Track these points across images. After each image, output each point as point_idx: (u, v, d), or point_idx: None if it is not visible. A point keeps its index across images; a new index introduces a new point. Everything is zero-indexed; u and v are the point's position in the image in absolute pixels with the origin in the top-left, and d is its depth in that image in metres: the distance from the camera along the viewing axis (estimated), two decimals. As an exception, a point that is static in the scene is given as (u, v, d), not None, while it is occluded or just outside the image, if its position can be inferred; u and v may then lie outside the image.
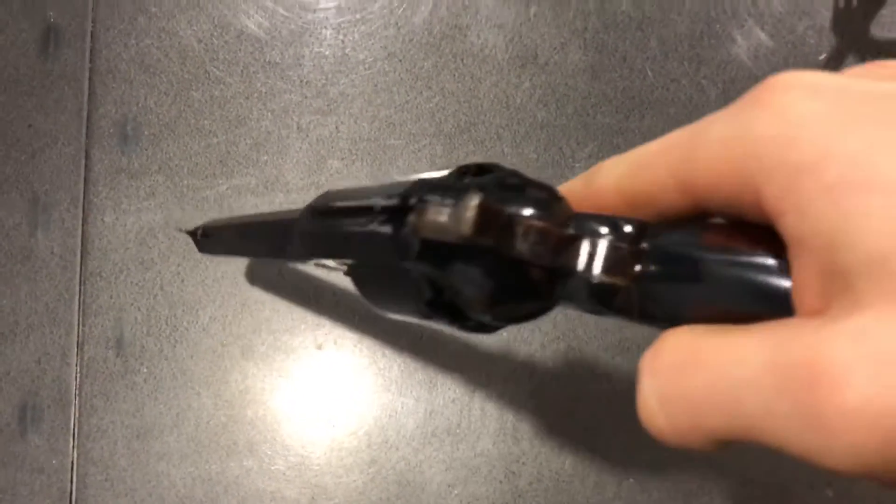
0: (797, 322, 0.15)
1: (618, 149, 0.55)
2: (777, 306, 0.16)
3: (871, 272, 0.14)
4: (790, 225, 0.15)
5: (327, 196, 0.32)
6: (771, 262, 0.16)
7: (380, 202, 0.25)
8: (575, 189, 0.22)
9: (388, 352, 0.54)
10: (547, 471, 0.52)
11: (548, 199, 0.22)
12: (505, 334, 0.54)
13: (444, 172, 0.24)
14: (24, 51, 0.60)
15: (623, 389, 0.53)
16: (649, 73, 0.57)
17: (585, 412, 0.53)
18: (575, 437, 0.52)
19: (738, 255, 0.17)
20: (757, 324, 0.16)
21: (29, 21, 0.61)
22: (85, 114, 0.60)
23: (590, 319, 0.53)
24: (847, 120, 0.15)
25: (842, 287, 0.14)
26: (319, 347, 0.55)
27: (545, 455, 0.52)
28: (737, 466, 0.51)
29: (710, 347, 0.16)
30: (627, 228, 0.20)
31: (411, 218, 0.22)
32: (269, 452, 0.54)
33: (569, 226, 0.20)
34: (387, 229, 0.24)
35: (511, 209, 0.21)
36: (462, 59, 0.58)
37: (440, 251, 0.22)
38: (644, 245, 0.19)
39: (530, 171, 0.56)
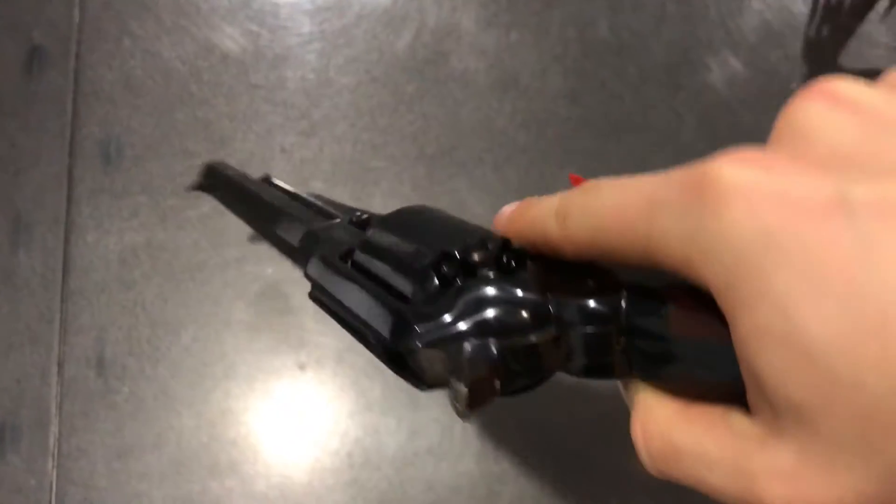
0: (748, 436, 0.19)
1: (596, 172, 0.56)
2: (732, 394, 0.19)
3: (788, 413, 0.16)
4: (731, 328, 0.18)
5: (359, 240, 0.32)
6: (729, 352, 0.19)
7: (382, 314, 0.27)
8: (549, 225, 0.24)
9: (371, 371, 0.55)
10: (528, 491, 0.52)
11: (527, 304, 0.24)
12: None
13: (432, 281, 0.26)
14: (8, 71, 0.61)
15: (606, 411, 0.53)
16: (627, 98, 0.59)
17: (568, 433, 0.53)
18: (557, 458, 0.52)
19: (703, 340, 0.20)
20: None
21: (13, 42, 0.61)
22: (68, 134, 0.60)
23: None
24: (782, 250, 0.16)
25: (768, 405, 0.17)
26: (302, 368, 0.55)
27: (527, 475, 0.52)
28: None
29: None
30: (604, 309, 0.23)
31: (410, 364, 0.25)
32: (251, 473, 0.54)
33: (551, 322, 0.23)
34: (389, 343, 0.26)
35: (498, 349, 0.23)
36: (444, 84, 0.59)
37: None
38: (623, 321, 0.22)
39: (513, 194, 0.57)
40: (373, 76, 0.59)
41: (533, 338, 0.23)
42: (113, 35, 0.62)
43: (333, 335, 0.56)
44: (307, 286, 0.56)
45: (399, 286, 0.27)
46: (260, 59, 0.60)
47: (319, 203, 0.42)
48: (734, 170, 0.17)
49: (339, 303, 0.31)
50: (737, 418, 0.19)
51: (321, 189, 0.58)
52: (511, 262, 0.25)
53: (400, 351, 0.25)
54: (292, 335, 0.56)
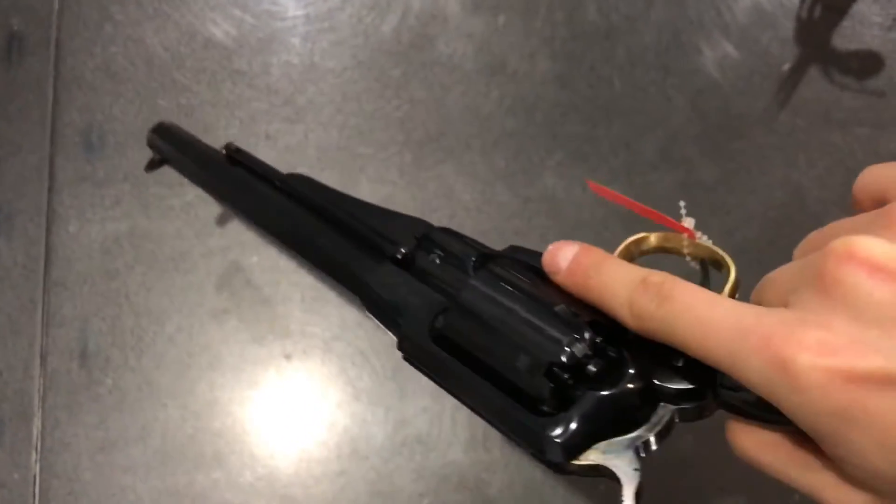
0: None
1: (586, 157, 0.56)
2: None
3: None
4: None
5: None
6: None
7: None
8: (620, 310, 0.29)
9: (358, 361, 0.54)
10: (517, 478, 0.51)
11: (637, 398, 0.30)
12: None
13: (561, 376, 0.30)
14: (-14, 58, 0.60)
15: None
16: (617, 82, 0.58)
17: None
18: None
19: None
20: None
21: (-9, 28, 0.60)
22: (49, 122, 0.59)
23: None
24: (855, 420, 0.22)
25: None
26: (288, 357, 0.54)
27: (515, 463, 0.52)
28: (709, 473, 0.51)
29: None
30: (700, 390, 0.30)
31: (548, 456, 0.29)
32: (237, 464, 0.53)
33: (661, 416, 0.30)
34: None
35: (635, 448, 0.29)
36: (431, 68, 0.58)
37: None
38: (717, 397, 0.29)
39: (501, 180, 0.56)
40: (358, 61, 0.58)
41: (650, 435, 0.29)
42: (94, 21, 0.61)
43: (320, 325, 0.55)
44: (293, 275, 0.55)
45: (516, 384, 0.31)
46: (243, 45, 0.59)
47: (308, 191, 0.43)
48: (810, 358, 0.22)
49: (453, 388, 0.34)
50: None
51: (306, 176, 0.57)
52: (611, 353, 0.30)
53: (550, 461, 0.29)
54: (278, 325, 0.55)
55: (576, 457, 0.29)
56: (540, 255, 0.34)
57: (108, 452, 0.54)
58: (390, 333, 0.37)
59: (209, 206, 0.57)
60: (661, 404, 0.29)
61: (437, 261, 0.37)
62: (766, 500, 0.50)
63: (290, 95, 0.58)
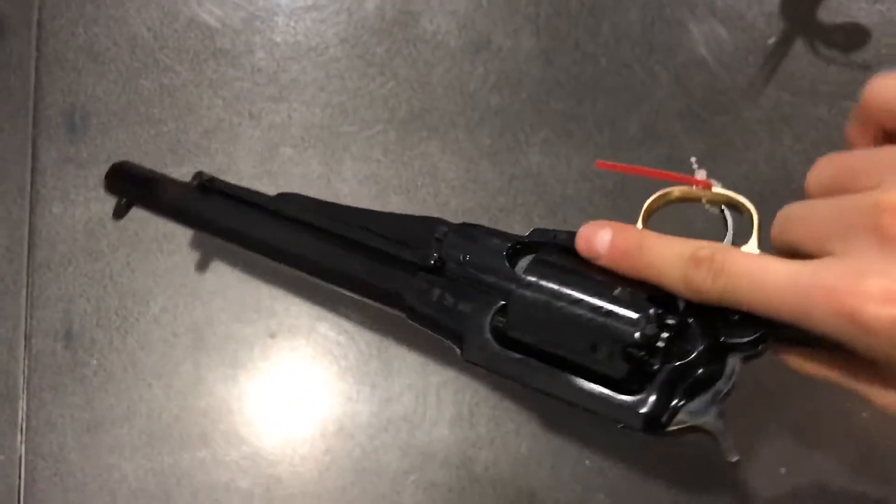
0: None
1: (571, 134, 0.55)
2: None
3: None
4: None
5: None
6: None
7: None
8: (672, 281, 0.32)
9: (343, 340, 0.54)
10: (503, 455, 0.51)
11: (707, 356, 0.33)
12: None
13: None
14: (-33, 39, 0.59)
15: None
16: (602, 58, 0.57)
17: (541, 398, 0.53)
18: (531, 422, 0.52)
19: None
20: None
21: (-28, 8, 0.59)
22: (31, 103, 0.59)
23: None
24: None
25: None
26: (272, 336, 0.54)
27: (501, 440, 0.52)
28: (692, 447, 0.51)
29: None
30: (759, 338, 0.33)
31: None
32: (223, 443, 0.53)
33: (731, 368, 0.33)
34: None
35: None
36: (415, 45, 0.58)
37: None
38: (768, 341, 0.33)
39: (486, 158, 0.56)
40: (341, 39, 0.58)
41: (726, 387, 0.32)
42: (76, 1, 0.60)
43: (305, 304, 0.55)
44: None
45: (598, 370, 0.33)
46: (226, 24, 0.59)
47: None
48: (876, 307, 0.25)
49: (532, 384, 0.35)
50: None
51: (290, 155, 0.57)
52: (678, 324, 0.32)
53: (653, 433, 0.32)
54: (263, 304, 0.55)
55: (669, 424, 0.32)
56: (564, 234, 0.36)
57: (93, 432, 0.54)
58: (450, 343, 0.38)
59: (193, 186, 0.57)
60: (729, 355, 0.32)
61: (468, 257, 0.38)
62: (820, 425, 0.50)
63: (273, 74, 0.58)
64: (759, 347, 0.32)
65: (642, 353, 0.31)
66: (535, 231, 0.38)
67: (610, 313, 0.32)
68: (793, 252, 0.31)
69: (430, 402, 0.52)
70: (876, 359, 0.27)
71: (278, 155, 0.57)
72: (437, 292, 0.38)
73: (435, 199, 0.55)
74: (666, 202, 0.38)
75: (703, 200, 0.37)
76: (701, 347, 0.32)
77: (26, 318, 0.56)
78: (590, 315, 0.32)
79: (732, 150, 0.55)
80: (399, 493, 0.52)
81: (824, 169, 0.32)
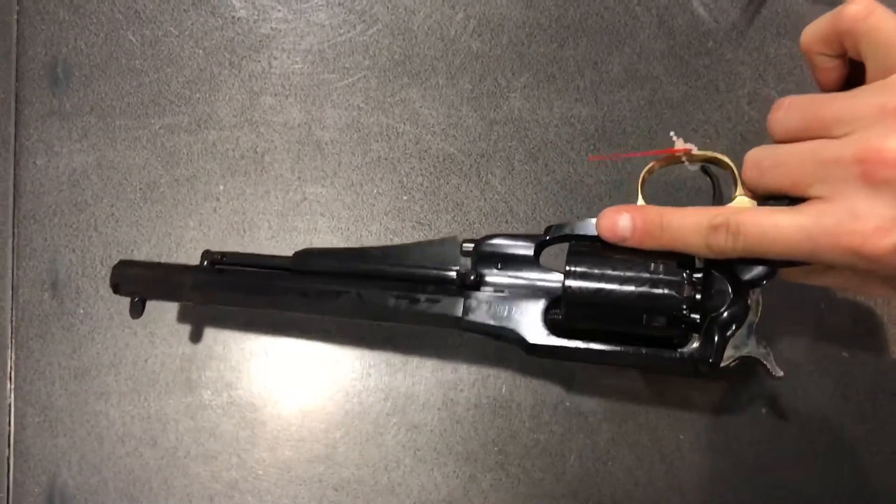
0: None
1: (553, 78, 0.55)
2: None
3: None
4: None
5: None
6: None
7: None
8: (696, 247, 0.37)
9: (325, 286, 0.54)
10: (484, 397, 0.52)
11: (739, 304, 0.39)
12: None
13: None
14: (-52, -8, 0.59)
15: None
16: (583, 0, 0.57)
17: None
18: (511, 364, 0.52)
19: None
20: None
21: (-49, -39, 0.59)
22: (14, 56, 0.59)
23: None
24: None
25: None
26: (255, 283, 0.55)
27: (482, 382, 0.52)
28: (674, 388, 0.51)
29: None
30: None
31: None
32: (208, 389, 0.54)
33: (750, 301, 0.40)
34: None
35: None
36: (394, -9, 0.57)
37: None
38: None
39: (467, 103, 0.56)
40: (321, -14, 0.58)
41: (756, 317, 0.39)
42: (56, -46, 0.60)
43: (288, 252, 0.55)
44: (259, 202, 0.55)
45: (654, 335, 0.38)
46: (206, -26, 0.59)
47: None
48: (875, 241, 0.31)
49: (596, 361, 0.40)
50: None
51: (271, 104, 0.57)
52: (704, 277, 0.38)
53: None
54: (246, 251, 0.55)
55: (720, 363, 0.38)
56: (580, 224, 0.40)
57: (80, 380, 0.55)
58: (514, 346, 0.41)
59: (175, 136, 0.57)
60: (750, 290, 0.38)
61: (500, 266, 0.41)
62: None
63: (253, 23, 0.58)
64: (773, 277, 0.38)
65: (688, 312, 0.36)
66: (551, 227, 0.41)
67: (655, 284, 0.37)
68: (769, 195, 0.36)
69: (412, 347, 0.53)
70: (882, 276, 0.33)
71: (259, 104, 0.57)
72: (486, 306, 0.41)
73: (416, 146, 0.55)
74: (654, 172, 0.42)
75: (686, 163, 0.41)
76: (731, 295, 0.38)
77: (12, 269, 0.56)
78: (638, 291, 0.37)
79: (716, 93, 0.54)
80: (382, 434, 0.52)
81: (791, 114, 0.36)
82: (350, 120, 0.56)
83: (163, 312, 0.55)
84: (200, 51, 0.58)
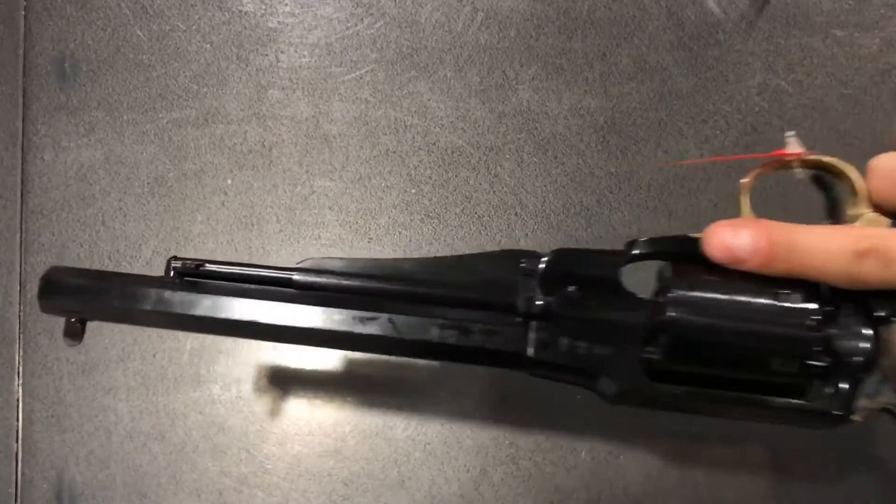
0: None
1: (561, 70, 0.55)
2: None
3: None
4: None
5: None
6: None
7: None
8: (836, 274, 0.31)
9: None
10: (494, 390, 0.51)
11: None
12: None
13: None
14: (-45, -12, 0.59)
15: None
16: (592, -7, 0.57)
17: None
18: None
19: None
20: None
21: (-41, -44, 0.59)
22: (21, 52, 0.59)
23: (539, 235, 0.53)
24: None
25: None
26: (264, 276, 0.54)
27: (492, 375, 0.51)
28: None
29: None
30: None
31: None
32: (217, 384, 0.53)
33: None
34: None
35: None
36: (402, -16, 0.57)
37: None
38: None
39: (475, 96, 0.55)
40: (328, -21, 0.58)
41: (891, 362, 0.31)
42: (63, -50, 0.60)
43: (294, 245, 0.55)
44: (267, 196, 0.55)
45: (776, 382, 0.31)
46: (213, -32, 0.59)
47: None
48: None
49: (704, 413, 0.33)
50: None
51: (279, 98, 0.56)
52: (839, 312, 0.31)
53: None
54: (254, 247, 0.55)
55: (852, 414, 0.31)
56: (676, 241, 0.32)
57: (88, 375, 0.54)
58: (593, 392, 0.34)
59: (183, 130, 0.57)
60: (880, 327, 0.30)
61: (576, 290, 0.33)
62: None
63: (261, 17, 0.58)
64: None
65: (821, 355, 0.30)
66: (634, 243, 0.33)
67: (783, 320, 0.30)
68: None
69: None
70: None
71: (267, 98, 0.57)
72: (564, 341, 0.32)
73: (424, 139, 0.55)
74: (762, 178, 0.36)
75: (798, 169, 0.35)
76: (863, 333, 0.31)
77: (20, 264, 0.56)
78: (762, 328, 0.30)
79: (725, 83, 0.54)
80: (391, 428, 0.52)
81: None
82: (358, 113, 0.56)
83: (171, 307, 0.54)
84: (208, 45, 0.58)
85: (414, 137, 0.55)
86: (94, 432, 0.54)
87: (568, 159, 0.54)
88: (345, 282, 0.35)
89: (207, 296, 0.35)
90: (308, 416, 0.53)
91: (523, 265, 0.33)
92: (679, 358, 0.31)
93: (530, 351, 0.32)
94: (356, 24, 0.57)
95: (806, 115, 0.53)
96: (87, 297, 0.37)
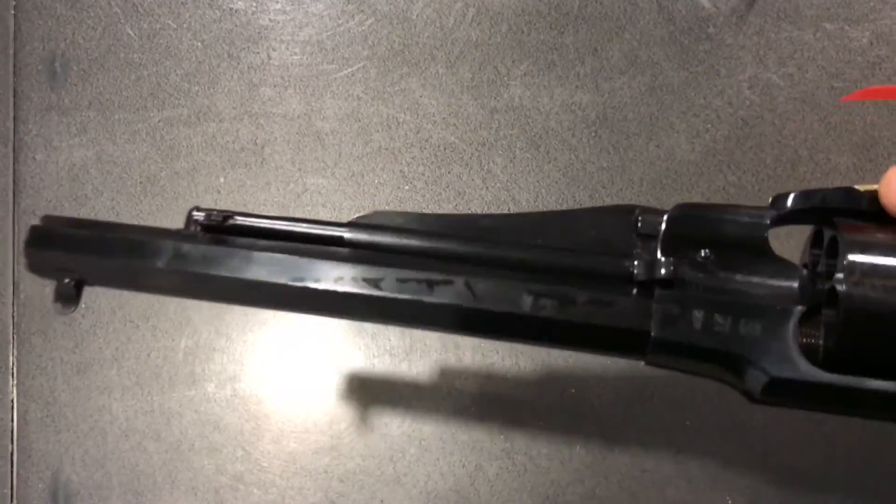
0: None
1: (553, 66, 0.55)
2: None
3: None
4: None
5: None
6: None
7: None
8: None
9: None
10: (489, 386, 0.52)
11: None
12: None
13: None
14: (-56, -12, 0.59)
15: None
16: (583, -12, 0.57)
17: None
18: (515, 351, 0.52)
19: None
20: None
21: (-53, -44, 0.59)
22: (11, 52, 0.59)
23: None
24: None
25: None
26: (257, 274, 0.54)
27: (486, 370, 0.52)
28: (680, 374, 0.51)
29: None
30: None
31: None
32: (211, 382, 0.54)
33: None
34: None
35: None
36: (393, -19, 0.57)
37: None
38: None
39: (467, 92, 0.55)
40: (319, -24, 0.58)
41: None
42: (52, -51, 0.60)
43: (289, 242, 0.55)
44: (260, 194, 0.55)
45: None
46: (203, -34, 0.59)
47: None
48: None
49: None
50: None
51: (270, 95, 0.56)
52: None
53: None
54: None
55: None
56: (841, 192, 0.25)
57: (83, 375, 0.54)
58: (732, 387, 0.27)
59: (175, 129, 0.56)
60: None
61: (709, 254, 0.26)
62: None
63: (251, 15, 0.58)
64: None
65: None
66: (780, 197, 0.26)
67: None
68: None
69: (415, 335, 0.53)
70: None
71: (258, 95, 0.56)
72: (697, 315, 0.25)
73: (417, 135, 0.55)
74: None
75: None
76: None
77: (13, 265, 0.56)
78: None
79: (716, 77, 0.54)
80: (387, 424, 0.52)
81: None
82: (350, 110, 0.56)
83: (164, 305, 0.54)
84: (199, 43, 0.58)
85: (406, 134, 0.55)
86: (90, 432, 0.54)
87: (560, 154, 0.54)
88: (408, 240, 0.28)
89: (237, 251, 0.28)
90: (303, 413, 0.53)
91: (639, 224, 0.27)
92: (855, 342, 0.24)
93: (654, 328, 0.25)
94: (347, 21, 0.57)
95: (797, 109, 0.53)
96: (86, 252, 0.29)
